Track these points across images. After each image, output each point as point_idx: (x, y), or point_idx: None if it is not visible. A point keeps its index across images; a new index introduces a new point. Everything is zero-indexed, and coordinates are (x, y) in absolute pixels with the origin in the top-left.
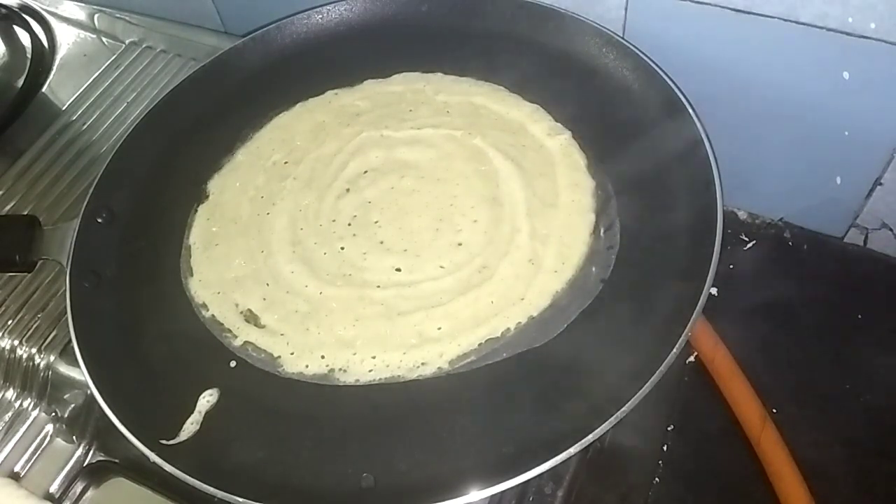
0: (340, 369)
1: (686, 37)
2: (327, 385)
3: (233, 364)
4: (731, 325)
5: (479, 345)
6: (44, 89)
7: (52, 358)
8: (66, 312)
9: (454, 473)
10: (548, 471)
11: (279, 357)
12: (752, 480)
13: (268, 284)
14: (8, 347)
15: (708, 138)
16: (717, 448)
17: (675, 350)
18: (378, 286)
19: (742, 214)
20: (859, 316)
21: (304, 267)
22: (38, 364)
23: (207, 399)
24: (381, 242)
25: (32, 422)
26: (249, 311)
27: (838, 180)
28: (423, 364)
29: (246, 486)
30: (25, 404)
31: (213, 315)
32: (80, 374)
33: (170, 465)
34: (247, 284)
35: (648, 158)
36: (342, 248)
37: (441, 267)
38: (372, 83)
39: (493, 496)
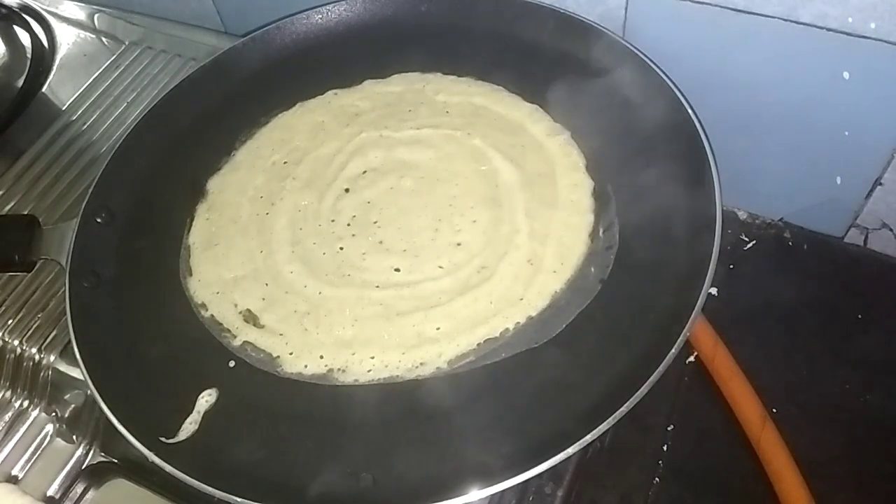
0: (339, 369)
1: (686, 37)
2: (326, 385)
3: (232, 364)
4: (731, 325)
5: (478, 345)
6: (44, 89)
7: (52, 358)
8: (65, 312)
9: (453, 473)
10: (548, 471)
11: (278, 357)
12: (752, 480)
13: (267, 284)
14: (8, 347)
15: (707, 138)
16: (717, 448)
17: (674, 350)
18: (377, 286)
19: (742, 214)
20: (859, 316)
21: (304, 267)
22: (38, 364)
23: (206, 399)
24: (381, 242)
25: (32, 422)
26: (248, 311)
27: (838, 180)
28: (421, 364)
29: (245, 486)
30: (25, 404)
31: (212, 315)
32: (80, 373)
33: (169, 464)
34: (246, 284)
35: (648, 158)
36: (341, 249)
37: (440, 267)
38: (371, 83)
39: (492, 496)
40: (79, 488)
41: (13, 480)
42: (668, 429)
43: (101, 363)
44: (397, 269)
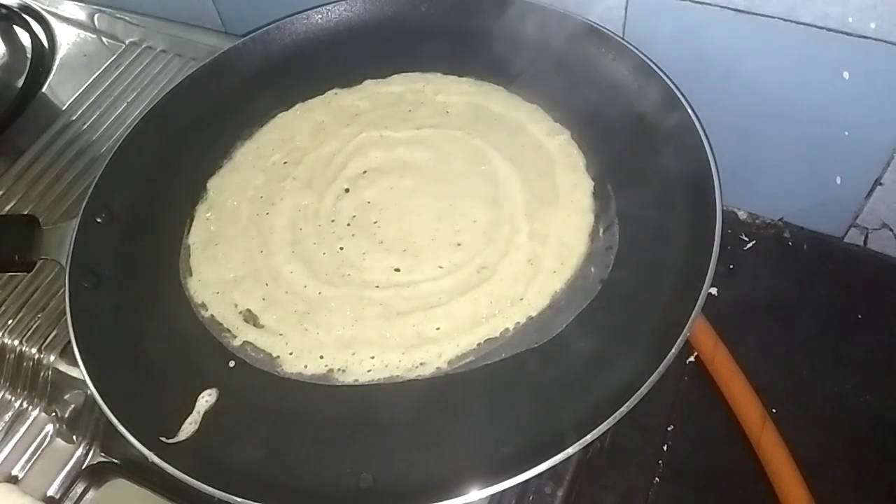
0: (339, 369)
1: (686, 37)
2: (326, 385)
3: (232, 364)
4: (731, 325)
5: (478, 345)
6: (44, 89)
7: (52, 358)
8: (65, 312)
9: (453, 473)
10: (548, 471)
11: (278, 357)
12: (752, 480)
13: (267, 284)
14: (8, 347)
15: (707, 138)
16: (717, 448)
17: (674, 350)
18: (377, 286)
19: (742, 214)
20: (859, 316)
21: (304, 267)
22: (38, 364)
23: (206, 399)
24: (381, 242)
25: (32, 422)
26: (248, 311)
27: (838, 180)
28: (421, 364)
29: (245, 486)
30: (25, 404)
31: (212, 315)
32: (80, 373)
33: (169, 465)
34: (246, 284)
35: (648, 159)
36: (341, 249)
37: (440, 267)
38: (372, 83)
39: (492, 496)
40: (79, 488)
41: (13, 480)
42: (668, 429)
43: (101, 363)
44: (397, 269)
